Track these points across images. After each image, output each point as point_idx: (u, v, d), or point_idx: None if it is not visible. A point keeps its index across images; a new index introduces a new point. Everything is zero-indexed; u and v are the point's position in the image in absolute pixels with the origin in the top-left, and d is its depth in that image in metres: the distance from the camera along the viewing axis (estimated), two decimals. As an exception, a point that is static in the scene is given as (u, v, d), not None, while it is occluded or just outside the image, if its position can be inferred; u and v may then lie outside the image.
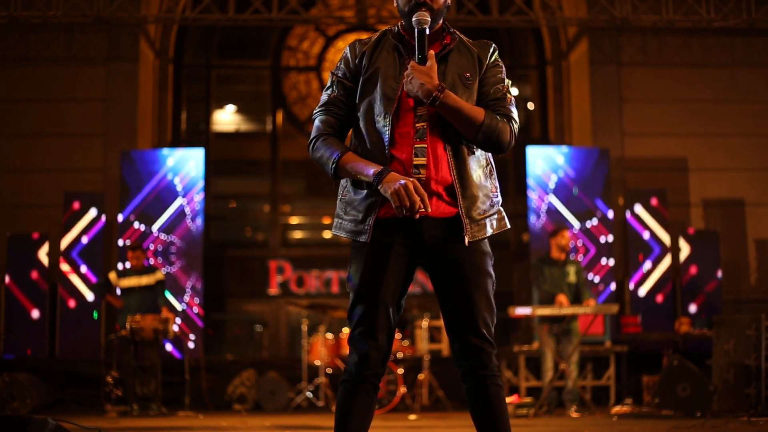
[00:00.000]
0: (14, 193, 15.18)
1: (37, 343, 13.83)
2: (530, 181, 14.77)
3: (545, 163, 14.76)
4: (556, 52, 17.64)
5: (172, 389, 12.69)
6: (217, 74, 18.86)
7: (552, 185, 14.67)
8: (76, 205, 14.20)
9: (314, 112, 4.07)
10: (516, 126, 3.98)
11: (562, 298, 11.02)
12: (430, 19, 3.87)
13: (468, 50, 4.05)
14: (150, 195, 14.52)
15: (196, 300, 14.46)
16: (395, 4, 4.06)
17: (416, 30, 3.86)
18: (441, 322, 14.36)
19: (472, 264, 3.91)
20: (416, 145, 3.86)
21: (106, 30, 15.45)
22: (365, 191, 3.91)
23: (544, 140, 17.65)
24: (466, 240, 3.85)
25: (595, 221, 14.56)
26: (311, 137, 4.04)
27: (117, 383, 11.81)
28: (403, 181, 3.69)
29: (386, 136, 3.88)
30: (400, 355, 12.16)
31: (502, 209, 4.05)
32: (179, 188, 14.58)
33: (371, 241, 3.89)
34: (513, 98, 4.05)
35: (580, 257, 14.29)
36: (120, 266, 13.93)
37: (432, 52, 3.89)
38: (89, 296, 13.93)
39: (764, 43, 15.79)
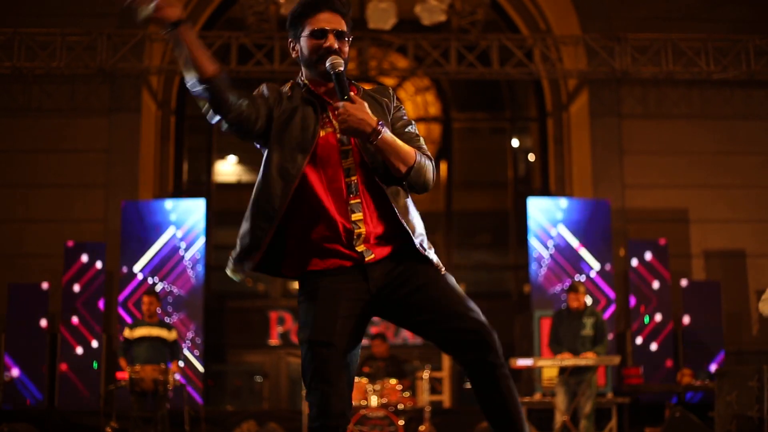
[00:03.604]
0: (15, 242, 15.17)
1: (37, 393, 13.77)
2: (531, 232, 14.77)
3: (546, 214, 14.78)
4: (556, 103, 17.71)
5: (172, 441, 12.63)
6: (218, 125, 18.88)
7: (553, 236, 14.68)
8: (77, 255, 14.19)
9: None
10: (433, 165, 3.95)
11: (565, 356, 10.94)
12: (343, 62, 3.85)
13: (374, 98, 3.97)
14: (151, 245, 14.52)
15: (197, 351, 14.41)
16: (298, 57, 4.01)
17: (333, 73, 3.82)
18: (442, 374, 14.33)
19: (435, 283, 3.85)
20: (351, 202, 3.83)
21: (108, 81, 15.52)
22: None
23: (544, 192, 17.67)
24: (434, 262, 3.85)
25: (596, 272, 14.54)
26: None
27: (117, 434, 11.73)
28: None
29: (291, 183, 3.84)
30: (401, 406, 12.08)
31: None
32: (180, 239, 14.58)
33: (318, 287, 3.81)
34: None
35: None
36: (124, 315, 13.97)
37: (355, 89, 3.90)
38: (90, 346, 13.90)
39: (764, 95, 15.84)
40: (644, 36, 15.24)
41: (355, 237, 3.80)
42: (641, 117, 15.91)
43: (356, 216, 3.80)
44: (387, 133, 3.75)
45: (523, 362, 11.11)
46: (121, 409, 12.12)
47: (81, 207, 15.35)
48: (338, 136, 3.86)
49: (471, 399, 18.59)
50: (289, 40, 4.03)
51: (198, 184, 18.54)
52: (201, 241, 14.65)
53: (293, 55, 4.02)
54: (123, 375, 11.86)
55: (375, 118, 3.74)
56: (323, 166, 3.86)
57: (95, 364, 13.90)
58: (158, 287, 14.30)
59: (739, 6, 15.86)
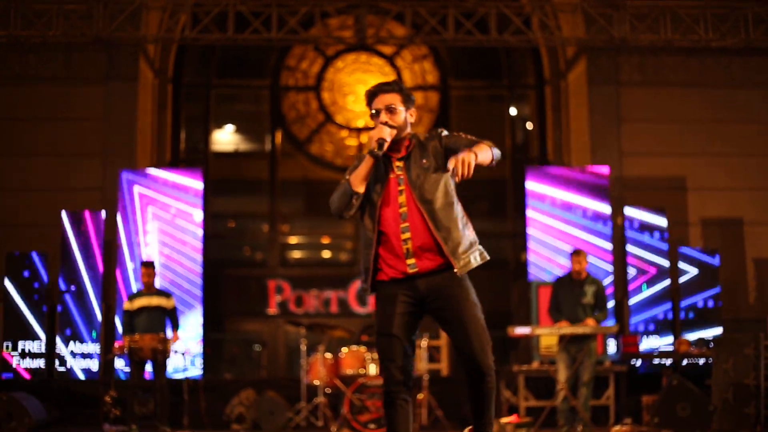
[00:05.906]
0: (12, 212, 15.15)
1: (36, 362, 13.78)
2: (529, 201, 14.77)
3: (544, 182, 14.76)
4: (554, 71, 17.66)
5: (171, 409, 12.64)
6: (216, 94, 18.87)
7: (550, 204, 14.67)
8: (74, 224, 14.16)
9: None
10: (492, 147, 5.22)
11: (562, 324, 10.97)
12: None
13: (423, 144, 5.21)
14: (148, 214, 14.52)
15: (195, 319, 14.42)
16: (410, 121, 5.31)
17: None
18: (440, 342, 14.36)
19: (465, 300, 5.05)
20: (401, 225, 5.07)
21: (105, 49, 15.46)
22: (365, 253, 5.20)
23: (542, 160, 17.66)
24: (457, 272, 5.01)
25: (593, 240, 14.55)
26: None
27: (116, 403, 11.76)
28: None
29: (376, 220, 5.12)
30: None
31: (481, 247, 5.25)
32: (178, 207, 14.58)
33: (383, 294, 5.13)
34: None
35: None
36: (122, 284, 13.99)
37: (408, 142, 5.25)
38: (88, 315, 13.91)
39: (762, 62, 15.81)
40: (642, 3, 15.18)
41: (405, 252, 5.04)
42: (639, 85, 15.87)
43: (405, 235, 5.05)
44: (480, 155, 5.00)
45: (520, 330, 11.14)
46: (119, 378, 12.14)
47: (78, 176, 15.34)
48: (397, 175, 5.17)
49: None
50: (413, 109, 5.29)
51: (195, 152, 18.52)
52: (199, 210, 14.66)
53: (412, 120, 5.28)
54: (119, 343, 11.86)
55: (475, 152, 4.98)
56: (388, 199, 5.13)
57: (93, 334, 13.91)
58: (156, 256, 14.31)
59: (738, -27, 15.80)
